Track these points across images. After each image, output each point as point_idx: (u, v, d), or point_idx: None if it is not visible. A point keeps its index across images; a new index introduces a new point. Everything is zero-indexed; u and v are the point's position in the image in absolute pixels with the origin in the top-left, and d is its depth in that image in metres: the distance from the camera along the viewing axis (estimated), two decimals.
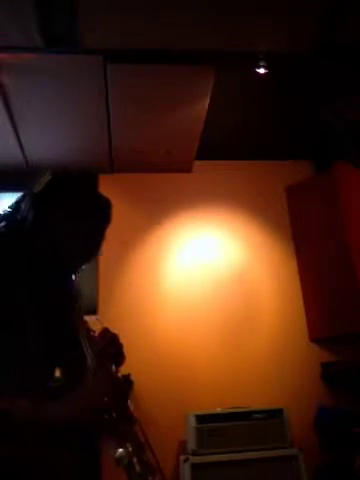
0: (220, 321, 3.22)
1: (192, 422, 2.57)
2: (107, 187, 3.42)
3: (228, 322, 3.22)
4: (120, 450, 1.01)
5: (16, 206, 1.22)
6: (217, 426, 2.56)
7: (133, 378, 2.61)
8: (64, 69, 2.56)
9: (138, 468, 0.99)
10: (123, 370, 1.26)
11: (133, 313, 3.14)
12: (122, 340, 1.28)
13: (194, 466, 2.42)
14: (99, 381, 1.11)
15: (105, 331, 1.24)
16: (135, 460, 1.00)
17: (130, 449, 1.01)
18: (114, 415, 1.05)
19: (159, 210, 3.49)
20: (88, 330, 1.20)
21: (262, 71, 2.63)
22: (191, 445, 2.52)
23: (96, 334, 1.23)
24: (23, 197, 1.22)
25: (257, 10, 2.26)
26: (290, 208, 3.58)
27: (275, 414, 2.63)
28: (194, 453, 2.48)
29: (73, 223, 1.19)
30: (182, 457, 2.48)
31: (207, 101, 2.87)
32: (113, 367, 1.18)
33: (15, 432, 0.95)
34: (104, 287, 3.16)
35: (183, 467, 2.43)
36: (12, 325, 1.07)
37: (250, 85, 2.89)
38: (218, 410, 2.68)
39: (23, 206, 1.19)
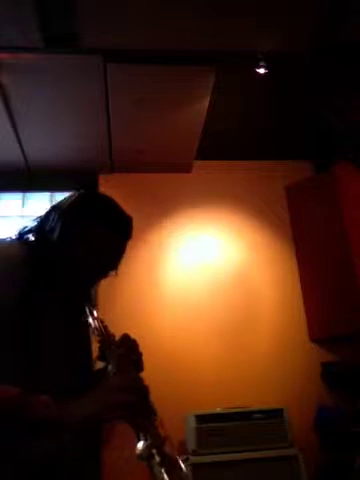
0: (220, 321, 3.22)
1: (192, 422, 2.57)
2: (107, 187, 3.44)
3: (228, 322, 3.22)
4: (141, 443, 1.03)
5: (45, 218, 1.26)
6: (217, 426, 2.56)
7: None
8: (64, 69, 2.56)
9: (158, 460, 1.01)
10: None
11: (133, 313, 3.14)
12: None
13: (194, 466, 2.42)
14: (121, 378, 1.14)
15: (126, 337, 1.27)
16: (155, 452, 1.02)
17: (150, 442, 1.03)
18: (136, 410, 1.07)
19: (159, 210, 3.50)
20: (110, 335, 1.23)
21: (262, 71, 2.64)
22: (191, 445, 2.52)
23: (117, 339, 1.26)
24: (52, 210, 1.26)
25: (257, 10, 2.26)
26: (290, 208, 3.58)
27: (275, 414, 2.63)
28: (194, 453, 2.48)
29: (97, 238, 1.23)
30: (182, 457, 2.48)
31: (207, 101, 2.87)
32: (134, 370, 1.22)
33: (35, 427, 0.96)
34: (104, 287, 3.16)
35: None
36: (33, 328, 1.10)
37: (250, 85, 2.89)
38: (218, 410, 2.68)
39: (51, 218, 1.23)
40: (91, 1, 2.17)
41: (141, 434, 1.05)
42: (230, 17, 2.30)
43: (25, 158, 3.32)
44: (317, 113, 3.10)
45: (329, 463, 2.68)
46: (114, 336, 1.25)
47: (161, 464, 1.00)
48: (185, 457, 2.46)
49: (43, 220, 1.26)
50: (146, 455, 1.01)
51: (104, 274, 1.30)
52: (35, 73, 2.57)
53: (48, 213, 1.27)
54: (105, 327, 1.24)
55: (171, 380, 2.95)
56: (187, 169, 3.58)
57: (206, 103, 2.89)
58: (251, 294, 3.34)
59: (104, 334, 1.22)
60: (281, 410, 2.64)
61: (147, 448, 1.02)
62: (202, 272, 3.36)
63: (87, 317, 1.24)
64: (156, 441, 1.05)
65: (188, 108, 2.92)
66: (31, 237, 1.26)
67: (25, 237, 1.26)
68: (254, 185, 3.63)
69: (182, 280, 3.33)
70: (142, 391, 1.13)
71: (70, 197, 1.27)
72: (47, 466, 1.02)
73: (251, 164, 3.65)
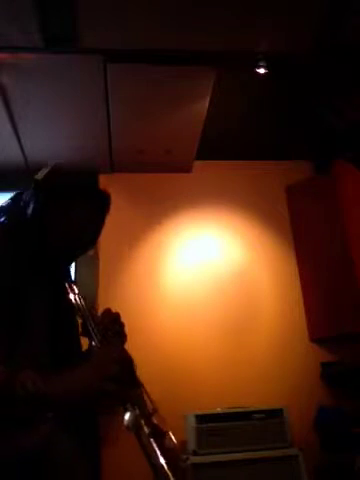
0: (220, 321, 3.22)
1: (192, 422, 2.57)
2: (107, 187, 3.43)
3: (228, 322, 3.22)
4: (128, 414, 1.00)
5: (18, 196, 1.25)
6: (217, 426, 2.56)
7: None
8: (64, 69, 2.56)
9: (147, 430, 0.99)
10: None
11: (133, 313, 3.14)
12: None
13: (194, 466, 2.42)
14: (108, 350, 1.13)
15: (107, 310, 1.27)
16: (143, 422, 1.00)
17: (137, 412, 1.01)
18: (124, 382, 1.05)
19: (159, 210, 3.49)
20: (91, 310, 1.23)
21: (262, 71, 2.63)
22: (191, 445, 2.52)
23: (99, 314, 1.25)
24: (24, 188, 1.25)
25: (257, 10, 2.26)
26: (290, 208, 3.58)
27: (275, 414, 2.63)
28: (194, 453, 2.48)
29: (72, 213, 1.21)
30: (182, 457, 2.48)
31: (207, 101, 2.87)
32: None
33: (23, 404, 0.94)
34: (104, 287, 3.16)
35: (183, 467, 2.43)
36: (15, 310, 1.08)
37: (250, 85, 2.89)
38: (218, 410, 2.68)
39: (25, 195, 1.22)
40: (91, 1, 2.17)
41: (128, 405, 1.02)
42: (230, 17, 2.30)
43: (25, 158, 3.32)
44: (317, 113, 3.10)
45: (329, 463, 2.68)
46: (96, 311, 1.25)
47: (150, 435, 0.98)
48: (185, 457, 2.46)
49: (16, 197, 1.25)
50: (134, 426, 0.99)
51: (82, 251, 1.28)
52: (35, 73, 2.57)
53: (21, 192, 1.25)
54: (86, 303, 1.23)
55: (171, 380, 2.95)
56: (187, 169, 3.58)
57: (206, 103, 2.89)
58: (251, 294, 3.34)
59: (85, 310, 1.21)
60: (281, 410, 2.64)
61: (135, 419, 0.99)
62: (202, 272, 3.36)
63: (68, 294, 1.23)
64: (144, 412, 1.03)
65: (188, 108, 2.92)
66: (3, 219, 1.24)
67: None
68: (254, 185, 3.63)
69: (182, 280, 3.33)
70: (126, 362, 1.12)
71: (43, 173, 1.25)
72: (35, 462, 0.99)
73: (251, 164, 3.65)
